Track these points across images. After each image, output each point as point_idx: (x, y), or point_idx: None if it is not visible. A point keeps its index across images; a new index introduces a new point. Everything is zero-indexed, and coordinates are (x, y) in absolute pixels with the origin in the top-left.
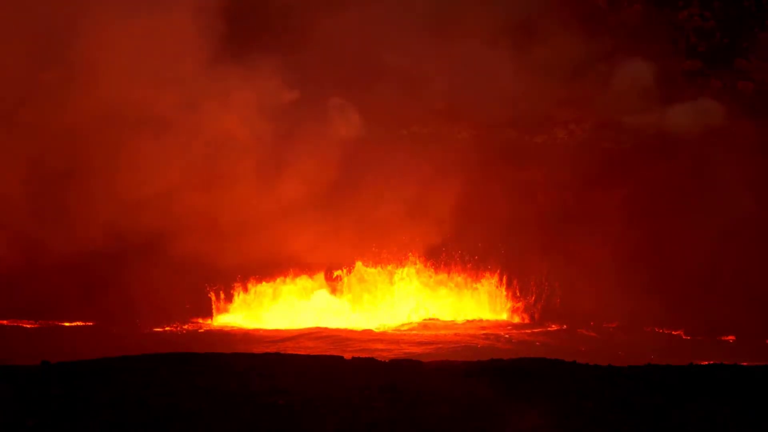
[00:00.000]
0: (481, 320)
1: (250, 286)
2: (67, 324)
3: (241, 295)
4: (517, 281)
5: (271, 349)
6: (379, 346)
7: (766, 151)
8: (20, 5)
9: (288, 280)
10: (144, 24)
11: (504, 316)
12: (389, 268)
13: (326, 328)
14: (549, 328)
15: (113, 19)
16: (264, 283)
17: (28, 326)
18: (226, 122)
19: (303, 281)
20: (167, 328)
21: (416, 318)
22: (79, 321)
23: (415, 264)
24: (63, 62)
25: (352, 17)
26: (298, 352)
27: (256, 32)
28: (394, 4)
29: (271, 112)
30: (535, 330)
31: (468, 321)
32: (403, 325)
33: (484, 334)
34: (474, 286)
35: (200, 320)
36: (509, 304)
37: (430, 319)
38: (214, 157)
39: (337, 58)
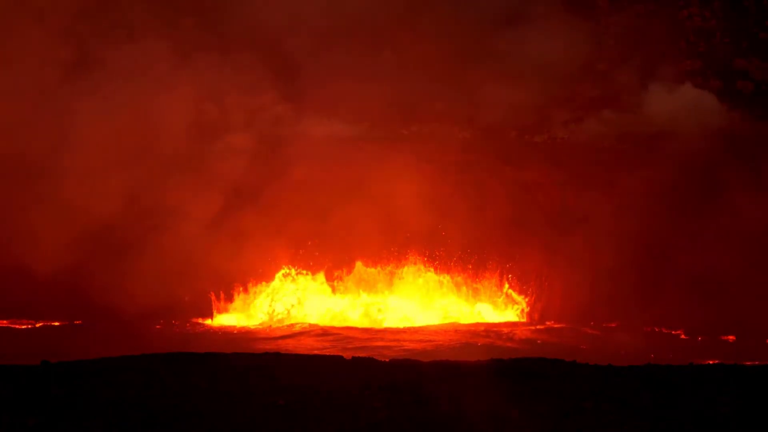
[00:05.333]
0: (481, 320)
1: (250, 286)
2: (66, 324)
3: (241, 295)
4: (517, 281)
5: (271, 348)
6: (379, 344)
7: (765, 151)
8: None
9: (288, 280)
10: None
11: (504, 316)
12: (389, 268)
13: (326, 327)
14: (549, 327)
15: None
16: (264, 283)
17: (27, 326)
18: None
19: (303, 281)
20: (167, 328)
21: (416, 318)
22: (78, 321)
23: (415, 264)
24: None
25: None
26: (298, 352)
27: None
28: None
29: (267, 111)
30: (536, 328)
31: (468, 320)
32: (402, 324)
33: (484, 332)
34: (474, 286)
35: (200, 320)
36: (509, 304)
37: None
38: (211, 156)
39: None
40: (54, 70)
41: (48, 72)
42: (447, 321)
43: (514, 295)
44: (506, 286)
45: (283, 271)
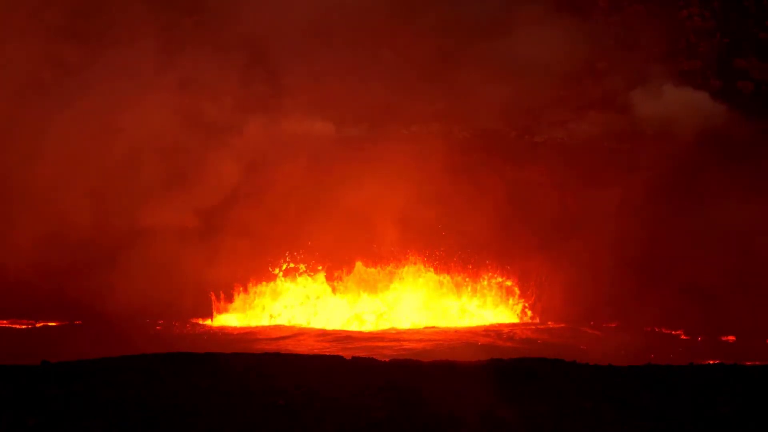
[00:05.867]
0: (481, 320)
1: (250, 286)
2: (66, 324)
3: (241, 295)
4: (517, 281)
5: (271, 348)
6: (379, 344)
7: (765, 152)
8: None
9: (288, 280)
10: None
11: (504, 316)
12: (389, 268)
13: (326, 328)
14: (549, 327)
15: None
16: (264, 283)
17: (27, 326)
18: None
19: (303, 281)
20: (167, 328)
21: (415, 318)
22: (78, 321)
23: (415, 264)
24: None
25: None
26: (298, 352)
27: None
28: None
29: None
30: (536, 328)
31: (468, 320)
32: (402, 324)
33: (484, 332)
34: (474, 286)
35: (200, 320)
36: (510, 304)
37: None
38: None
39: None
40: (44, 72)
41: (41, 74)
42: (447, 321)
43: (514, 296)
44: (506, 286)
45: (284, 266)
